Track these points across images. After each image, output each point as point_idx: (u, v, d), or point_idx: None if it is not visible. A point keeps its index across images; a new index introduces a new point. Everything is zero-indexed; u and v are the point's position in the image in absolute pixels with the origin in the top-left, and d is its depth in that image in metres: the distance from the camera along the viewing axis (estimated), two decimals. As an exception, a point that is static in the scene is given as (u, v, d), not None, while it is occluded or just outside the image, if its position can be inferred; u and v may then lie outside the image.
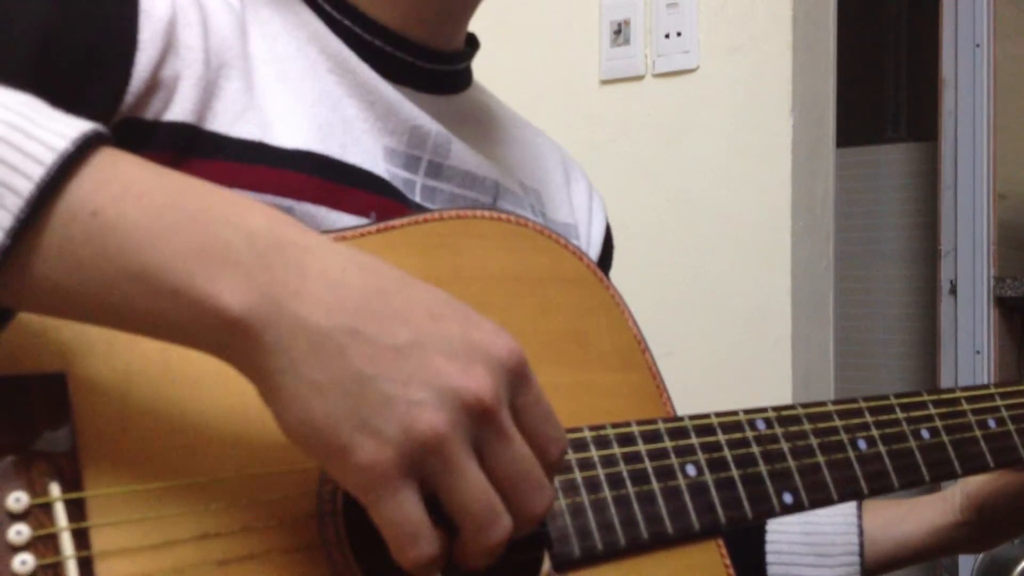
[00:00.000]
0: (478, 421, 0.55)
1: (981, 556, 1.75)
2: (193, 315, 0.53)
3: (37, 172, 0.51)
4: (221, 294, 0.52)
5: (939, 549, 1.02)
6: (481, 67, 0.99)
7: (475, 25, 0.95)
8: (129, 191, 0.53)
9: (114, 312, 0.54)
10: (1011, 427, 0.95)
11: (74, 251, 0.52)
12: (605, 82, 2.14)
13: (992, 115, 2.87)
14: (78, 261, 0.52)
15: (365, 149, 0.84)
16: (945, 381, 2.92)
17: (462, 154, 0.91)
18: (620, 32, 2.11)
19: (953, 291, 2.93)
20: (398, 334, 0.54)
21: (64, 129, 0.53)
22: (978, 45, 2.89)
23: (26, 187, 0.51)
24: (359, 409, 0.53)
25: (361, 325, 0.54)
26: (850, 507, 1.02)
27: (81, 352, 0.59)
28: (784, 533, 1.03)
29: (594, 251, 1.04)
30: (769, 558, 1.02)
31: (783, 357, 1.95)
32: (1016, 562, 1.67)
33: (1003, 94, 2.91)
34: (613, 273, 1.03)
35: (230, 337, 0.53)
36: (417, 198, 0.87)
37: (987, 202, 2.88)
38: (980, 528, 1.00)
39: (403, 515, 0.54)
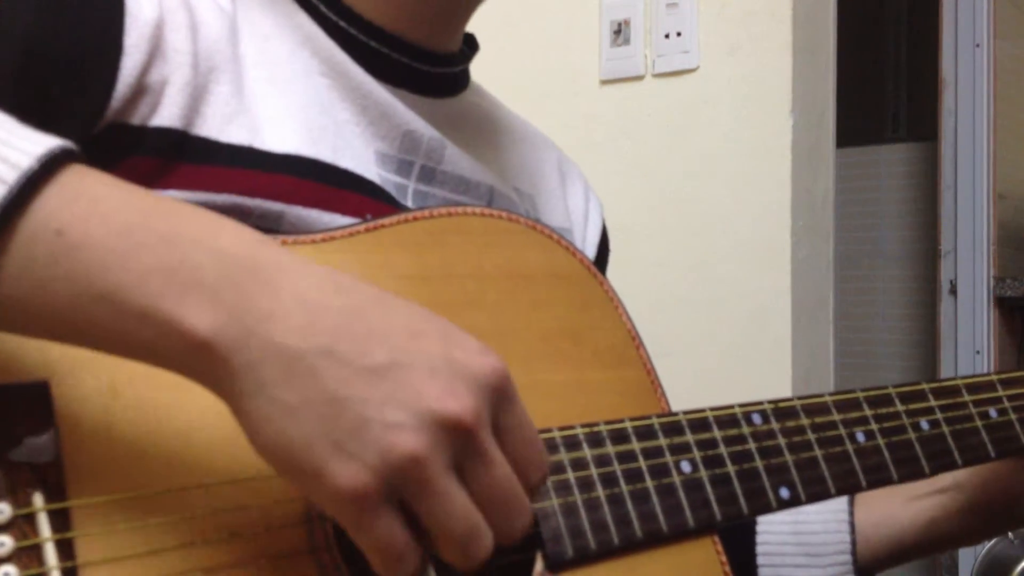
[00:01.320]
0: (459, 442, 0.54)
1: (981, 556, 1.75)
2: (160, 337, 0.52)
3: (0, 191, 0.51)
4: (187, 316, 0.51)
5: (938, 543, 1.00)
6: (481, 67, 0.99)
7: (474, 25, 0.95)
8: (96, 210, 0.52)
9: (80, 332, 0.53)
10: (1013, 416, 0.93)
11: (38, 271, 0.51)
12: (605, 82, 2.13)
13: (992, 115, 2.87)
14: (42, 281, 0.52)
15: (356, 153, 0.83)
16: (945, 381, 2.90)
17: (456, 159, 0.90)
18: (620, 32, 2.11)
19: (953, 291, 2.93)
20: (375, 354, 0.53)
21: (30, 147, 0.52)
22: (978, 45, 2.89)
23: None
24: (334, 432, 0.52)
25: (336, 346, 0.52)
26: (841, 504, 1.01)
27: (64, 360, 0.58)
28: (774, 534, 1.02)
29: (589, 254, 1.03)
30: (760, 560, 1.01)
31: (783, 357, 1.94)
32: (1016, 562, 1.67)
33: (1003, 94, 2.91)
34: (612, 273, 1.02)
35: (197, 359, 0.52)
36: (409, 203, 0.86)
37: (987, 202, 2.88)
38: (982, 520, 0.98)
39: (386, 538, 0.53)
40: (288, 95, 0.81)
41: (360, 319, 0.54)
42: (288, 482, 0.54)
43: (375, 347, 0.53)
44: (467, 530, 0.55)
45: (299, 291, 0.53)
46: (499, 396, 0.56)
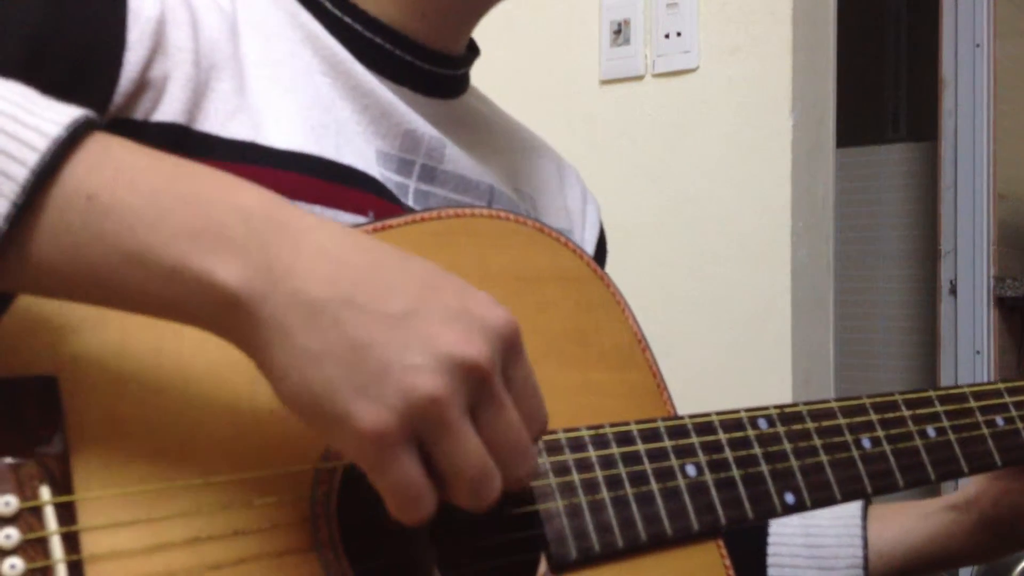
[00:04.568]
0: (474, 387, 0.55)
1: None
2: (190, 293, 0.54)
3: (32, 158, 0.52)
4: (216, 272, 0.53)
5: (952, 560, 1.00)
6: (481, 67, 0.99)
7: (475, 24, 0.94)
8: (122, 175, 0.54)
9: (111, 292, 0.54)
10: (1020, 425, 0.93)
11: (71, 235, 0.53)
12: (605, 82, 2.14)
13: (992, 115, 2.87)
14: (75, 244, 0.53)
15: (358, 151, 0.84)
16: (945, 381, 2.91)
17: (456, 158, 0.91)
18: (620, 32, 2.11)
19: (953, 291, 2.93)
20: (394, 303, 0.54)
21: (56, 116, 0.54)
22: (978, 45, 2.89)
23: (21, 173, 0.52)
24: (356, 376, 0.53)
25: (356, 295, 0.54)
26: (855, 517, 1.01)
27: (73, 355, 0.58)
28: (786, 546, 1.01)
29: None
30: (771, 571, 1.01)
31: (783, 357, 1.95)
32: (1016, 562, 1.67)
33: (1003, 94, 2.91)
34: (612, 273, 1.02)
35: (226, 313, 0.54)
36: (410, 202, 0.87)
37: (987, 202, 2.88)
38: (995, 536, 0.98)
39: (405, 479, 0.55)
40: (290, 94, 0.81)
41: (379, 271, 0.55)
42: (312, 428, 0.55)
43: (394, 297, 0.55)
44: (480, 471, 0.56)
45: (320, 245, 0.55)
46: (509, 347, 0.58)
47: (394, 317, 0.54)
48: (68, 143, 0.53)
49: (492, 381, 0.56)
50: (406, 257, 0.58)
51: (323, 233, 0.56)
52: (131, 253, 0.53)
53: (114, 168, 0.54)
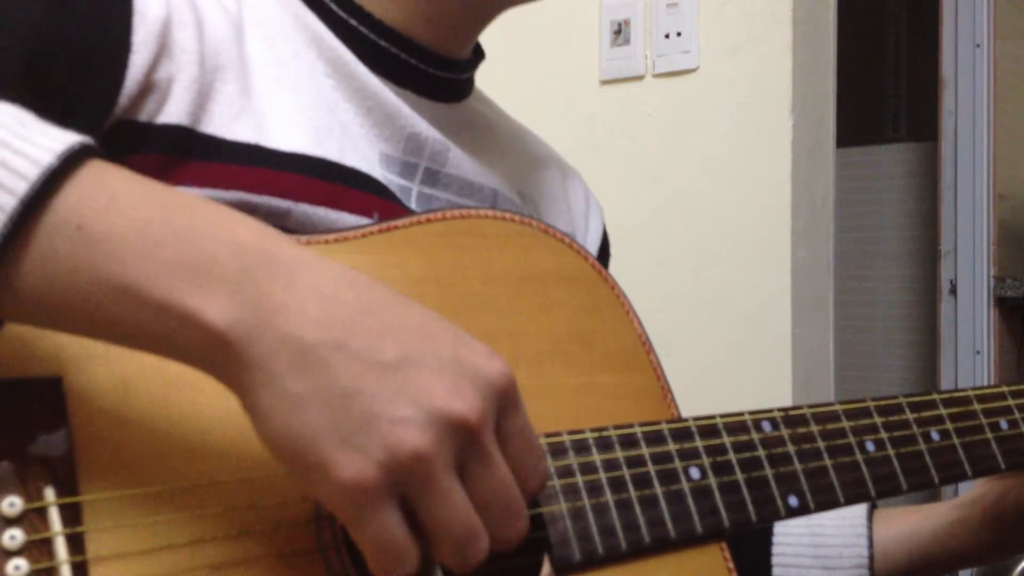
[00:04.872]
0: (463, 442, 0.54)
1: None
2: (177, 329, 0.52)
3: (21, 187, 0.51)
4: (205, 309, 0.52)
5: (956, 559, 0.99)
6: (481, 67, 0.99)
7: (475, 24, 0.94)
8: (115, 205, 0.53)
9: (98, 324, 0.54)
10: None
11: (59, 264, 0.52)
12: (605, 82, 2.14)
13: (992, 115, 2.88)
14: (63, 274, 0.52)
15: (362, 154, 0.83)
16: (945, 381, 2.92)
17: (460, 162, 0.91)
18: (620, 32, 2.11)
19: (953, 291, 2.94)
20: (386, 350, 0.53)
21: (50, 143, 0.53)
22: (978, 45, 2.90)
23: (10, 202, 0.51)
24: (341, 424, 0.52)
25: (348, 340, 0.53)
26: (860, 517, 1.01)
27: (78, 356, 0.58)
28: (791, 545, 1.01)
29: None
30: (776, 571, 1.01)
31: (783, 357, 1.94)
32: (1016, 564, 1.67)
33: (1003, 94, 2.91)
34: (613, 274, 1.02)
35: (213, 352, 0.53)
36: (413, 205, 0.86)
37: (987, 202, 2.88)
38: (998, 535, 0.98)
39: (385, 535, 0.53)
40: (294, 95, 0.81)
41: (373, 315, 0.54)
42: (292, 475, 0.54)
43: (386, 343, 0.53)
44: (465, 531, 0.55)
45: (314, 285, 0.54)
46: (504, 400, 0.56)
47: (385, 365, 0.53)
48: (60, 171, 0.52)
49: (482, 436, 0.54)
50: (401, 301, 0.56)
51: (318, 272, 0.54)
52: (119, 285, 0.52)
53: (108, 197, 0.53)
